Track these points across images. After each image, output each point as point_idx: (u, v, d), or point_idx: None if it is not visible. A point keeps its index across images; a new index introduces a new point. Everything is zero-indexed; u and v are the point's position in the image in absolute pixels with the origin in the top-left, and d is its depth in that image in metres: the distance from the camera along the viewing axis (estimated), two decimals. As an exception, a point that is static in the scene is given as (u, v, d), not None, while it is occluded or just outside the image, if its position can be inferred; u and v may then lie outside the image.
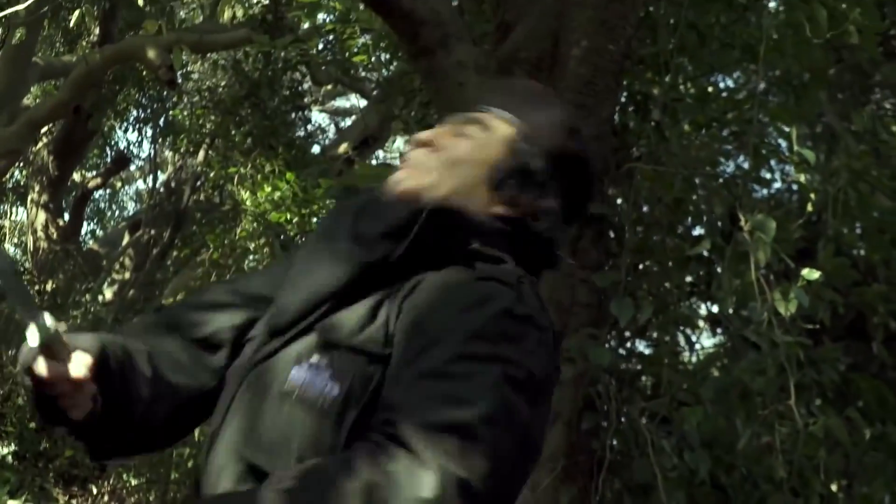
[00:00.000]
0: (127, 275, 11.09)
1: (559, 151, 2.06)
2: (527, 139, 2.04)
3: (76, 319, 9.58)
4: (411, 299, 1.87)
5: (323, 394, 1.82)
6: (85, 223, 15.99)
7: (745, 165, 5.57)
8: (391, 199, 1.99)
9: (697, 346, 5.62)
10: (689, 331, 5.38)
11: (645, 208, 5.17)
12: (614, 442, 4.76)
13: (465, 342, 1.73)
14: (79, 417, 1.89)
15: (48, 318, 1.78)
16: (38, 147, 12.69)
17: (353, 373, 1.82)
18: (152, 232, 10.94)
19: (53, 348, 1.80)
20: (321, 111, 16.02)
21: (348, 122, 15.13)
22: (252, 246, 7.27)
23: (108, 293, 11.00)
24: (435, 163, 2.01)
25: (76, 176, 14.96)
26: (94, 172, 15.52)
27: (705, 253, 5.00)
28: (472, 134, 2.05)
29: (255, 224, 7.33)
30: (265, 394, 1.89)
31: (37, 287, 10.25)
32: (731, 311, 5.10)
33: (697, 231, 5.36)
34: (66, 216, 13.37)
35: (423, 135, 2.07)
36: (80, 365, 1.83)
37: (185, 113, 10.84)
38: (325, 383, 1.83)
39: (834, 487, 4.89)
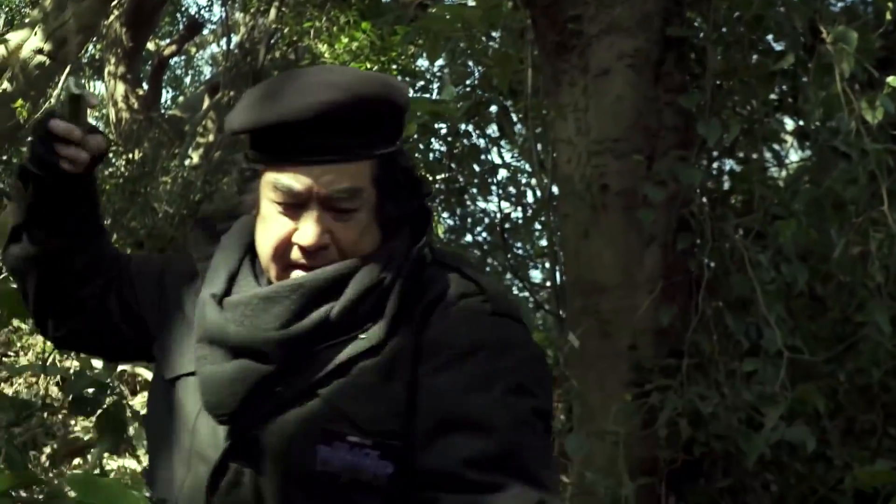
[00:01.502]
0: (211, 137, 11.16)
1: None
2: None
3: (167, 185, 9.71)
4: (433, 338, 1.90)
5: (376, 474, 1.85)
6: (164, 91, 16.10)
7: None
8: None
9: (786, 161, 5.61)
10: (776, 146, 5.36)
11: (724, 28, 5.11)
12: (710, 261, 4.80)
13: (505, 395, 1.84)
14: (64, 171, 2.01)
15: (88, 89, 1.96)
16: (110, 20, 12.72)
17: (399, 447, 1.85)
18: (231, 93, 10.96)
19: (81, 112, 1.97)
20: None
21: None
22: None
23: (195, 156, 11.10)
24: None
25: (150, 45, 14.99)
26: (168, 40, 15.55)
27: (789, 67, 4.96)
28: None
29: (335, 76, 7.32)
30: (279, 472, 1.88)
31: (124, 157, 10.37)
32: (818, 123, 5.08)
33: (779, 47, 5.29)
34: (145, 86, 13.46)
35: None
36: (94, 139, 2.01)
37: (254, -28, 10.82)
38: (375, 464, 1.85)
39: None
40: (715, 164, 5.16)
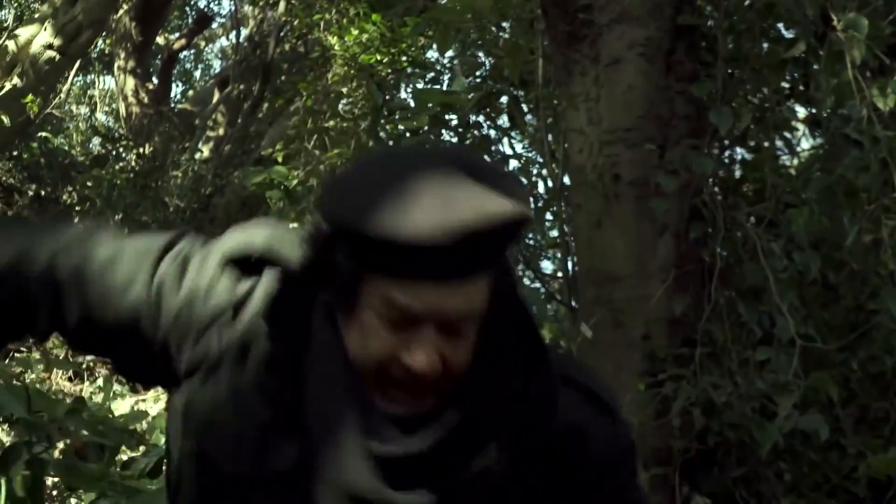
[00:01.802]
0: (221, 131, 11.19)
1: None
2: None
3: (177, 179, 9.73)
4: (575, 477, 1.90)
5: None
6: (174, 85, 16.14)
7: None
8: None
9: (798, 149, 5.61)
10: (788, 134, 5.36)
11: (735, 16, 5.12)
12: (722, 250, 4.80)
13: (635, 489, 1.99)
14: None
15: None
16: (119, 15, 12.76)
17: None
18: (241, 87, 11.01)
19: None
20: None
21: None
22: (345, 90, 7.31)
23: (206, 150, 11.13)
24: None
25: (160, 39, 15.03)
26: (178, 34, 15.60)
27: (800, 55, 4.96)
28: None
29: (345, 68, 7.36)
30: None
31: (134, 151, 10.40)
32: (829, 110, 5.07)
33: (790, 34, 5.29)
34: (155, 80, 13.49)
35: None
36: None
37: (262, -35, 10.84)
38: None
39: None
40: (727, 153, 5.16)
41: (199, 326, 1.90)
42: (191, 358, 1.91)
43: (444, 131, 6.57)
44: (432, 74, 7.86)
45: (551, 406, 1.82)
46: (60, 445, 4.32)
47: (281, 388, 1.83)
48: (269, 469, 1.82)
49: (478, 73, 6.65)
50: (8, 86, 8.92)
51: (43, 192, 9.70)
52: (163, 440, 3.40)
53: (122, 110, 12.40)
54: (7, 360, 7.74)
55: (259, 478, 1.82)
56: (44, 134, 10.92)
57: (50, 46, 9.16)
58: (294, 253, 1.86)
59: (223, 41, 19.39)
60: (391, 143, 6.89)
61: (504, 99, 6.25)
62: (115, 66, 13.00)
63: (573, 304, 5.41)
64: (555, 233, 6.97)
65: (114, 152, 10.73)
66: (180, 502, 1.96)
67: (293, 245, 1.88)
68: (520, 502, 1.84)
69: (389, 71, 7.16)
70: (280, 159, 7.77)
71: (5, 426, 6.18)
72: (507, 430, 1.81)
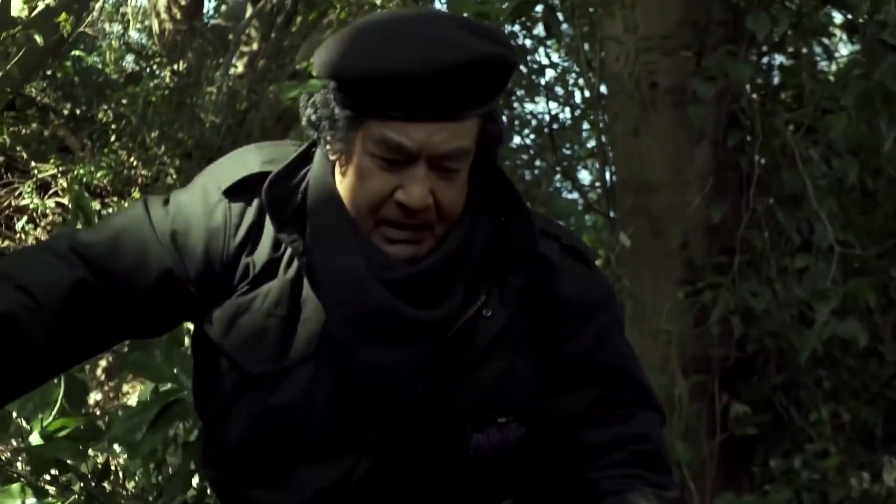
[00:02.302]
0: (255, 45, 11.14)
1: None
2: None
3: (212, 95, 9.72)
4: (552, 311, 1.93)
5: (515, 440, 1.93)
6: (206, 0, 16.09)
7: None
8: None
9: (836, 55, 5.57)
10: (825, 40, 5.33)
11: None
12: (761, 157, 4.79)
13: (619, 340, 1.99)
14: None
15: None
16: (149, -70, 12.69)
17: (532, 411, 1.94)
18: (274, 0, 10.94)
19: None
20: None
21: None
22: (378, 1, 7.26)
23: (240, 66, 11.10)
24: None
25: (190, -46, 14.97)
26: (208, -51, 15.52)
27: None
28: None
29: (378, -20, 7.31)
30: (427, 458, 1.91)
31: (168, 68, 10.38)
32: (866, 16, 5.03)
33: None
34: (187, -4, 13.44)
35: None
36: None
37: None
38: (515, 432, 1.92)
39: None
40: (764, 59, 5.13)
41: (227, 256, 1.93)
42: (223, 284, 1.94)
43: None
44: (467, -16, 7.78)
45: (532, 243, 1.90)
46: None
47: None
48: (292, 360, 1.89)
49: (512, -18, 6.60)
50: (41, 5, 8.90)
51: (78, 111, 9.71)
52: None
53: (155, 27, 12.34)
54: None
55: (281, 370, 1.89)
56: (77, 52, 10.91)
57: (82, -36, 9.14)
58: (285, 160, 1.94)
59: (254, -45, 19.31)
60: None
61: (539, 7, 6.20)
62: (147, -18, 12.95)
63: (611, 214, 5.42)
64: (592, 143, 6.98)
65: (147, 70, 10.70)
66: (213, 410, 2.02)
67: (284, 155, 1.96)
68: (504, 349, 1.90)
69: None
70: (314, 73, 7.75)
71: None
72: (492, 268, 1.90)
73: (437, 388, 1.87)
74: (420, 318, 1.85)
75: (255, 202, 1.93)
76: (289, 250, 1.91)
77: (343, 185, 1.87)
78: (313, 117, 1.88)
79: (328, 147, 1.87)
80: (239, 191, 1.95)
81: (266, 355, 1.91)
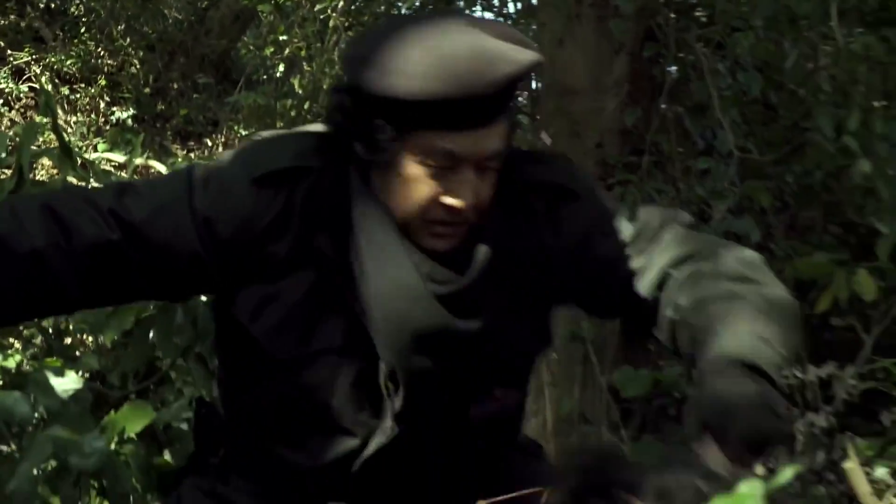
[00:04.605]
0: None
1: None
2: None
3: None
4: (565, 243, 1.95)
5: (514, 405, 2.05)
6: None
7: None
8: None
9: (748, -22, 5.55)
10: (740, -36, 5.31)
11: None
12: (673, 68, 4.83)
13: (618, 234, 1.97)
14: None
15: None
16: None
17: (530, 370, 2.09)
18: None
19: None
20: None
21: None
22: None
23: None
24: None
25: None
26: None
27: None
28: None
29: None
30: (433, 430, 1.96)
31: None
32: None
33: None
34: None
35: None
36: None
37: None
38: (514, 398, 2.03)
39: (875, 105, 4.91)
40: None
41: (254, 243, 1.92)
42: (252, 270, 1.94)
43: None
44: None
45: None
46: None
47: (330, 258, 1.91)
48: (316, 348, 1.91)
49: None
50: None
51: (52, 5, 9.58)
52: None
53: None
54: None
55: (306, 356, 1.91)
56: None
57: None
58: (314, 154, 1.93)
59: None
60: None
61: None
62: None
63: (536, 115, 5.44)
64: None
65: (117, -33, 10.55)
66: (232, 389, 2.08)
67: (313, 149, 1.94)
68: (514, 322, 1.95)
69: None
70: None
71: None
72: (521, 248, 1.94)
73: (457, 370, 1.92)
74: (469, 328, 1.89)
75: (284, 192, 1.91)
76: (318, 246, 1.90)
77: (387, 191, 1.87)
78: (345, 123, 1.87)
79: (363, 154, 1.86)
80: (269, 181, 1.92)
81: (291, 342, 1.92)
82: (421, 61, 1.76)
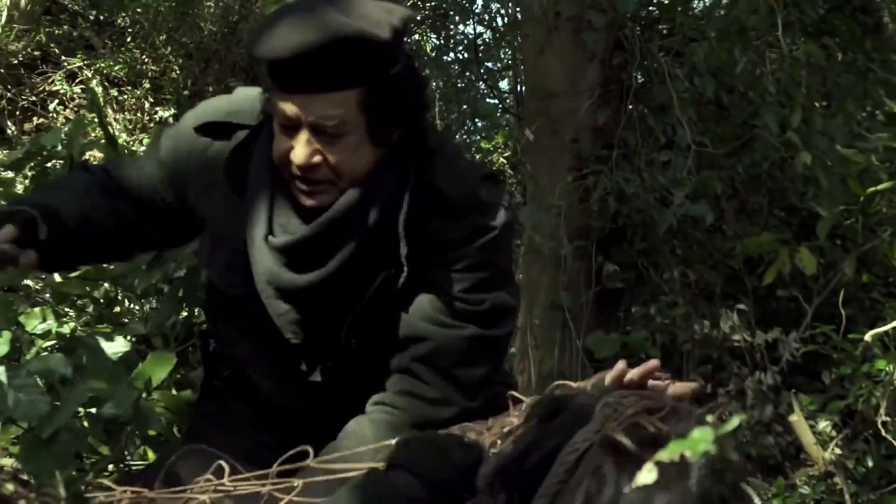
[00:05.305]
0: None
1: None
2: None
3: (210, 7, 9.56)
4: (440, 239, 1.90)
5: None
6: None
7: None
8: None
9: (703, -5, 5.54)
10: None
11: None
12: (638, 74, 4.82)
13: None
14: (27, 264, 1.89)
15: None
16: None
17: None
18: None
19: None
20: None
21: None
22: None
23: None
24: None
25: None
26: None
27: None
28: None
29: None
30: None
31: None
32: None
33: None
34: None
35: None
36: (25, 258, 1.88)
37: None
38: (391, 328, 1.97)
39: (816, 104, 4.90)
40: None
41: (194, 185, 1.99)
42: (200, 211, 2.01)
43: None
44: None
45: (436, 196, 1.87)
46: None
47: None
48: (253, 288, 1.91)
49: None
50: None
51: (101, 17, 9.55)
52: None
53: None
54: None
55: (252, 294, 1.91)
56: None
57: None
58: (252, 113, 1.94)
59: None
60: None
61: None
62: None
63: (520, 115, 5.41)
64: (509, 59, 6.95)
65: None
66: (210, 323, 2.17)
67: (253, 108, 1.94)
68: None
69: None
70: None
71: None
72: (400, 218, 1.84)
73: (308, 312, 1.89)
74: (295, 281, 1.83)
75: (220, 143, 1.95)
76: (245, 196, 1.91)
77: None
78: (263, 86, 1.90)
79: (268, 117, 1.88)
80: (204, 131, 1.96)
81: (237, 282, 1.94)
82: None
